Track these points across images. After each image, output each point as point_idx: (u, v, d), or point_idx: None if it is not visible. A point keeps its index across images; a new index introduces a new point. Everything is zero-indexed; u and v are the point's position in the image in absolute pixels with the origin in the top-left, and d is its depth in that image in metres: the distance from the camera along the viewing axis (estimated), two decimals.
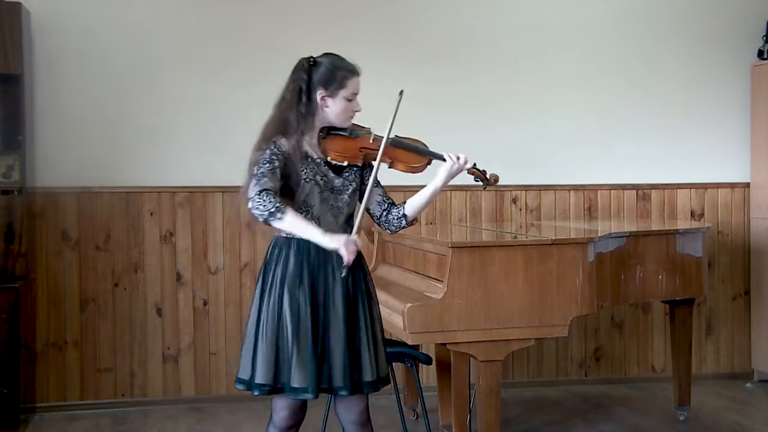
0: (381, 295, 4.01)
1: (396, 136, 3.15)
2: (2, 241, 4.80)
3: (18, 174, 4.81)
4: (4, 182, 4.82)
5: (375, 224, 3.25)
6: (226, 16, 5.34)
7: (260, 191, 2.88)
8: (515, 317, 3.74)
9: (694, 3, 5.92)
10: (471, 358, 3.97)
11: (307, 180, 3.01)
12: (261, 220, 2.90)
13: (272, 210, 2.86)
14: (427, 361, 4.28)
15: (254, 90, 4.66)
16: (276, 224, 2.90)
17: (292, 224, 2.91)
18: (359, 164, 3.09)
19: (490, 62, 5.64)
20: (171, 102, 5.27)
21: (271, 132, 3.02)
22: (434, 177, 3.14)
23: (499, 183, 3.38)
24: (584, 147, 5.77)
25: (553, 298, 3.79)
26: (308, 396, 2.97)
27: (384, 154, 3.05)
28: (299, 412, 3.12)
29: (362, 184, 3.13)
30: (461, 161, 3.15)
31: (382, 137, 3.04)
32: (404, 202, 3.18)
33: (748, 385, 5.77)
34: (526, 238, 4.38)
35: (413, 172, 3.15)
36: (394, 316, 3.78)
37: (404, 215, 3.16)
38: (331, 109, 3.06)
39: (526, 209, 5.69)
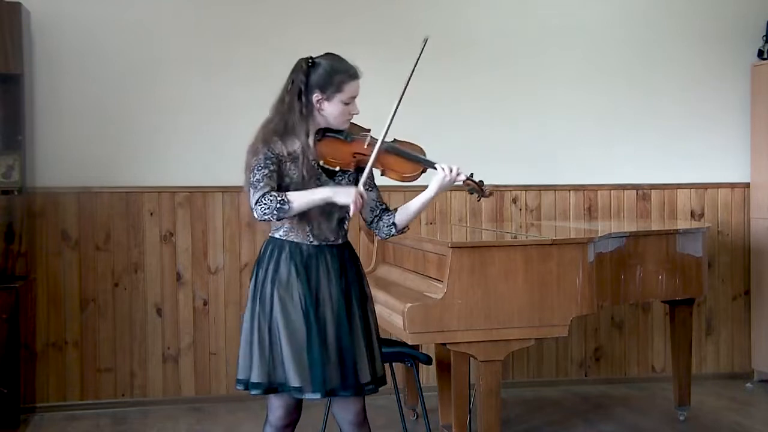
0: (381, 295, 4.02)
1: (394, 139, 3.12)
2: (2, 241, 4.80)
3: (18, 174, 4.81)
4: (4, 182, 4.82)
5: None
6: (226, 16, 5.34)
7: (260, 197, 2.90)
8: (515, 317, 3.74)
9: (694, 3, 5.92)
10: (471, 358, 3.97)
11: (297, 183, 2.99)
12: (275, 219, 2.93)
13: (278, 206, 2.89)
14: (427, 361, 4.28)
15: (254, 90, 4.65)
16: (289, 214, 2.93)
17: (301, 203, 2.93)
18: (351, 170, 3.06)
19: (490, 62, 5.64)
20: (171, 102, 5.27)
21: (267, 133, 3.02)
22: (427, 187, 3.10)
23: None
24: (584, 147, 5.77)
25: (553, 298, 3.79)
26: (315, 396, 2.97)
27: (376, 160, 3.02)
28: (294, 411, 3.12)
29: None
30: (453, 173, 3.08)
31: (377, 141, 3.01)
32: (396, 209, 3.17)
33: (748, 385, 5.77)
34: (526, 238, 4.38)
35: (405, 182, 3.11)
36: (394, 316, 3.78)
37: (394, 224, 3.14)
38: (327, 112, 3.05)
39: (526, 209, 5.69)
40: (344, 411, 3.11)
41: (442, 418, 4.48)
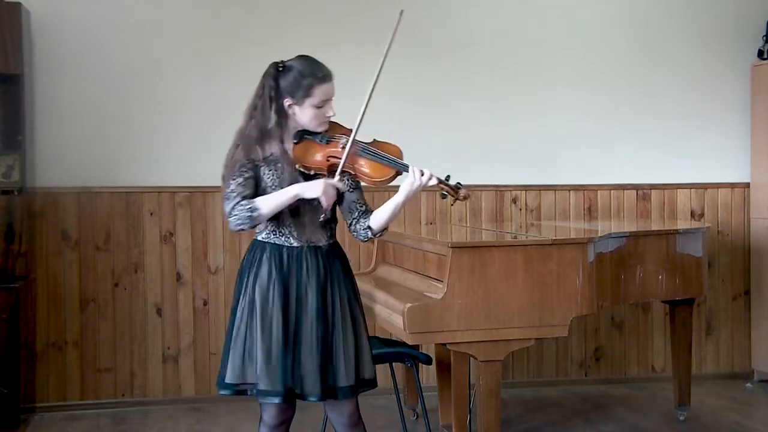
0: (381, 295, 4.03)
1: (374, 140, 3.08)
2: (2, 241, 4.79)
3: (18, 174, 4.81)
4: (4, 182, 4.82)
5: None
6: (227, 16, 5.35)
7: (231, 209, 2.95)
8: (515, 317, 3.74)
9: (694, 3, 5.92)
10: (471, 358, 3.97)
11: (272, 187, 3.01)
12: (248, 228, 2.98)
13: (248, 215, 2.94)
14: (427, 361, 4.28)
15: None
16: (260, 220, 2.97)
17: (271, 205, 2.96)
18: (326, 173, 3.03)
19: (490, 62, 5.64)
20: (171, 102, 5.27)
21: (241, 141, 3.04)
22: (398, 191, 3.05)
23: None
24: (584, 147, 5.77)
25: (553, 298, 3.79)
26: (274, 400, 2.99)
27: (348, 163, 3.00)
28: (288, 409, 3.13)
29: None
30: (424, 178, 3.02)
31: (349, 144, 2.98)
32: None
33: (748, 385, 5.77)
34: (526, 238, 4.38)
35: (377, 186, 3.06)
36: (394, 316, 3.78)
37: (369, 227, 3.10)
38: (300, 116, 3.05)
39: (526, 209, 5.69)
40: (337, 413, 3.12)
41: (442, 418, 4.48)
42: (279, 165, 3.03)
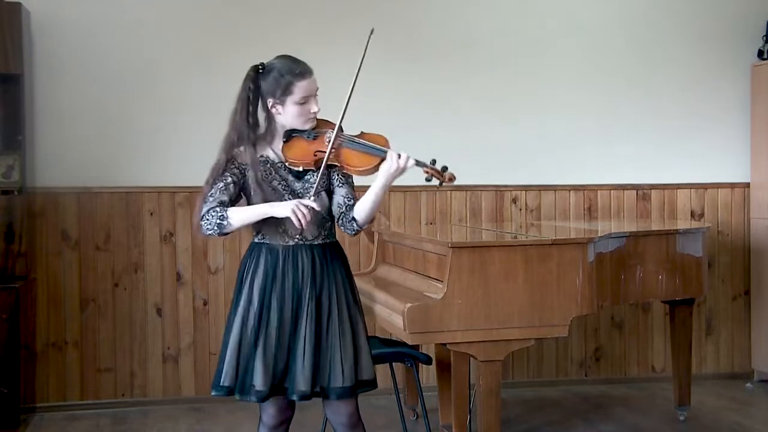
0: (381, 295, 4.02)
1: (361, 132, 3.09)
2: (2, 241, 4.79)
3: (18, 174, 4.81)
4: (4, 182, 4.82)
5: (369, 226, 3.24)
6: (227, 16, 5.35)
7: (204, 213, 2.98)
8: (515, 317, 3.74)
9: (694, 3, 5.92)
10: (471, 358, 3.97)
11: (263, 187, 3.02)
12: (215, 235, 2.98)
13: (218, 222, 2.95)
14: (427, 361, 4.28)
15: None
16: (228, 230, 2.98)
17: (241, 219, 2.98)
18: (313, 168, 3.04)
19: (490, 62, 5.64)
20: (171, 102, 5.27)
21: (226, 144, 3.06)
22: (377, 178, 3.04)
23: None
24: (584, 147, 5.77)
25: (553, 298, 3.79)
26: (253, 400, 3.00)
27: (334, 156, 3.01)
28: (287, 410, 3.13)
29: (330, 185, 3.11)
30: (401, 161, 2.99)
31: (333, 137, 2.99)
32: None
33: (748, 385, 5.77)
34: (526, 238, 4.38)
35: (363, 176, 3.05)
36: (394, 316, 3.78)
37: (354, 219, 3.08)
38: (284, 115, 3.06)
39: (526, 209, 5.69)
40: (336, 414, 3.12)
41: (442, 418, 4.48)
42: (268, 166, 3.05)
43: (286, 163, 3.05)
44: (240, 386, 3.01)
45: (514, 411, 5.16)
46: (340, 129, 3.05)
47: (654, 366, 5.89)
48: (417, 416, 4.99)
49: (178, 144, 5.28)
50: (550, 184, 5.73)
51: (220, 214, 2.96)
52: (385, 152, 3.01)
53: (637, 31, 5.85)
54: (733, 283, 5.99)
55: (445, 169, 3.08)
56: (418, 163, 3.03)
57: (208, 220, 2.97)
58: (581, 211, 5.77)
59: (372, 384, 3.12)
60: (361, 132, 3.11)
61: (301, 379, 2.98)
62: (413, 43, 5.55)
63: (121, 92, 5.22)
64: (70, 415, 5.09)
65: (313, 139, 3.05)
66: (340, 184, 3.10)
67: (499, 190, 5.63)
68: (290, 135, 3.07)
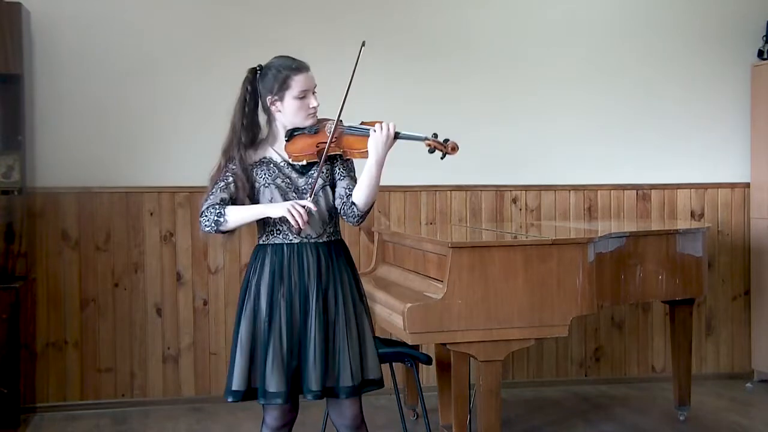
0: (381, 295, 4.02)
1: (362, 122, 3.11)
2: (2, 241, 4.79)
3: (18, 174, 4.81)
4: (4, 182, 4.81)
5: (358, 226, 3.23)
6: (226, 16, 5.34)
7: (204, 209, 3.01)
8: (515, 317, 3.74)
9: (694, 3, 5.92)
10: (471, 358, 3.97)
11: (266, 185, 3.04)
12: (213, 233, 3.01)
13: (215, 219, 2.98)
14: (427, 361, 4.28)
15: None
16: (225, 228, 3.00)
17: (237, 218, 3.00)
18: (317, 160, 3.05)
19: (490, 62, 5.64)
20: (171, 102, 5.27)
21: (227, 146, 3.09)
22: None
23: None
24: (584, 147, 5.77)
25: (553, 298, 3.79)
26: (279, 401, 2.99)
27: (335, 144, 3.04)
28: (290, 412, 3.12)
29: (333, 179, 3.11)
30: (384, 130, 3.00)
31: (333, 127, 3.02)
32: None
33: (748, 385, 5.77)
34: (526, 238, 4.38)
35: (366, 157, 3.05)
36: (394, 316, 3.78)
37: (353, 203, 3.05)
38: (285, 111, 3.08)
39: (526, 209, 5.69)
40: (340, 415, 3.11)
41: (442, 418, 4.48)
42: (271, 166, 3.07)
43: (290, 159, 3.07)
44: (262, 390, 2.99)
45: (514, 411, 5.16)
46: (340, 122, 3.07)
47: (654, 366, 5.89)
48: (417, 416, 4.99)
49: (178, 144, 5.28)
50: (550, 184, 5.73)
51: (218, 211, 2.98)
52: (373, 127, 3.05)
53: (638, 31, 5.85)
54: (733, 283, 5.99)
55: (446, 140, 3.10)
56: (429, 138, 3.06)
57: (206, 216, 3.00)
58: (581, 211, 5.77)
59: (378, 383, 3.10)
60: (361, 122, 3.14)
61: (313, 379, 2.98)
62: (412, 43, 5.55)
63: (121, 92, 5.22)
64: (70, 415, 5.09)
65: (315, 133, 3.07)
66: (342, 177, 3.11)
67: (499, 190, 5.64)
68: (292, 134, 3.09)
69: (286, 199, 3.03)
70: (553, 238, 3.99)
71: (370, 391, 3.10)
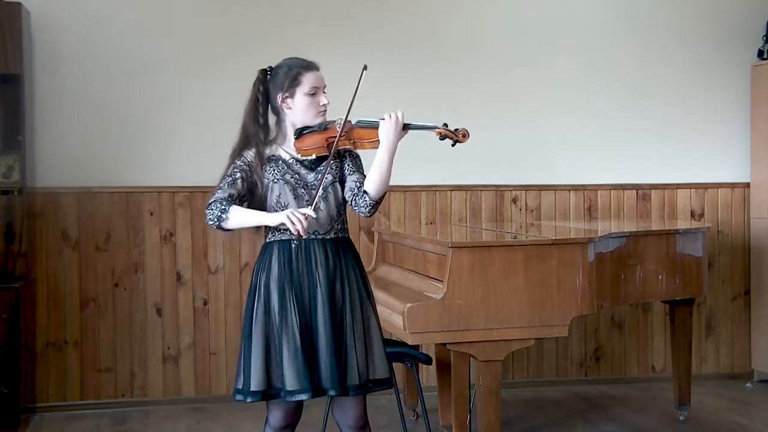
0: (381, 295, 4.02)
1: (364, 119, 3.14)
2: (2, 241, 4.79)
3: (18, 174, 4.81)
4: (4, 182, 4.82)
5: (370, 217, 3.23)
6: (227, 16, 5.35)
7: (211, 203, 3.01)
8: (515, 317, 3.74)
9: (694, 3, 5.92)
10: (471, 358, 3.97)
11: (275, 181, 3.05)
12: (214, 227, 3.01)
13: (218, 215, 2.98)
14: (427, 361, 4.28)
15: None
16: (226, 225, 3.00)
17: (238, 219, 3.00)
18: (326, 154, 3.06)
19: (490, 63, 5.64)
20: (171, 102, 5.27)
21: (237, 146, 3.10)
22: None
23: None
24: (584, 147, 5.77)
25: (553, 298, 3.79)
26: (303, 397, 2.97)
27: (345, 138, 3.05)
28: (294, 413, 3.11)
29: (342, 175, 3.12)
30: (393, 117, 3.01)
31: (342, 121, 3.03)
32: None
33: (748, 385, 5.77)
34: (526, 238, 4.38)
35: (377, 147, 3.07)
36: (394, 316, 3.78)
37: (365, 192, 3.06)
38: (295, 109, 3.09)
39: (526, 209, 5.69)
40: (344, 415, 3.10)
41: (442, 418, 4.48)
42: (280, 164, 3.07)
43: (299, 155, 3.07)
44: (283, 389, 2.97)
45: (514, 411, 5.16)
46: (348, 121, 3.08)
47: (654, 366, 5.89)
48: (417, 416, 4.99)
49: (178, 144, 5.28)
50: (550, 184, 5.73)
51: (222, 207, 2.98)
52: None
53: (637, 31, 5.85)
54: (733, 283, 5.99)
55: (456, 129, 3.10)
56: (440, 127, 3.06)
57: (211, 210, 3.00)
58: (581, 211, 5.77)
59: (386, 383, 3.08)
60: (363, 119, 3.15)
61: (327, 377, 2.97)
62: (414, 45, 5.55)
63: (121, 92, 5.22)
64: (70, 415, 5.09)
65: (324, 129, 3.08)
66: (351, 172, 3.11)
67: (499, 190, 5.64)
68: (301, 132, 3.10)
69: (295, 195, 3.04)
70: (553, 238, 3.99)
71: (377, 391, 3.08)
